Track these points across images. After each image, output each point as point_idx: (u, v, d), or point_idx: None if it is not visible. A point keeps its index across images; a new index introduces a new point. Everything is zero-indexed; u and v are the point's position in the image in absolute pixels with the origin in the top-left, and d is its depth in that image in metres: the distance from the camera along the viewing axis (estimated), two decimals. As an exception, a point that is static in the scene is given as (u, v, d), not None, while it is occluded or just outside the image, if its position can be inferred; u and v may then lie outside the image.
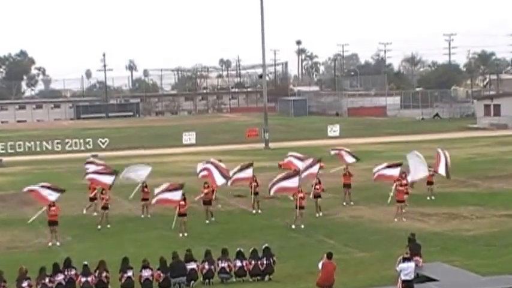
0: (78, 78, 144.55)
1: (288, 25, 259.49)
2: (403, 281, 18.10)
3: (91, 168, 32.75)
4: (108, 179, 30.70)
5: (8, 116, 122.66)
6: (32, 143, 68.81)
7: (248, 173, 32.53)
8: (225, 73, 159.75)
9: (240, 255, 21.63)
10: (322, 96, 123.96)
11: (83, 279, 20.25)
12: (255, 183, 32.47)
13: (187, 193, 29.45)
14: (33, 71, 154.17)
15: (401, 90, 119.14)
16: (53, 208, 27.65)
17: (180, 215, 28.13)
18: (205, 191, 30.30)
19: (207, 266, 21.23)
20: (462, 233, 26.61)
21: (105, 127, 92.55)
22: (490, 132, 72.33)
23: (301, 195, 28.85)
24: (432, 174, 33.54)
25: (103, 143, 69.62)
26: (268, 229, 28.39)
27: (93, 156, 61.92)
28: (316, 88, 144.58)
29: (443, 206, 31.73)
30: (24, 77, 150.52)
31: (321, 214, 30.35)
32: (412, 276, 18.25)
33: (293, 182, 28.90)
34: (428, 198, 33.22)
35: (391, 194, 31.21)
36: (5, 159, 58.63)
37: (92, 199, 32.30)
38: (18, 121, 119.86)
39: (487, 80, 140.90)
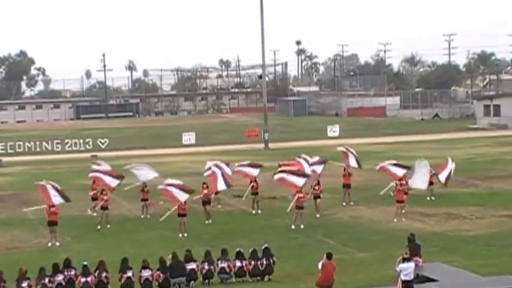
0: (78, 79, 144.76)
1: (288, 25, 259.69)
2: (403, 281, 18.10)
3: (98, 167, 32.50)
4: (112, 182, 30.74)
5: (7, 116, 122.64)
6: (32, 143, 68.81)
7: (254, 172, 32.55)
8: (224, 73, 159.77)
9: (239, 256, 21.62)
10: (321, 96, 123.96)
11: (83, 280, 20.24)
12: (255, 184, 32.47)
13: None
14: (33, 71, 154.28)
15: (400, 91, 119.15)
16: (52, 208, 27.64)
17: (180, 215, 28.12)
18: (205, 191, 30.29)
19: (206, 266, 21.22)
20: (462, 233, 26.61)
21: (105, 127, 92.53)
22: (490, 132, 72.33)
23: (301, 195, 28.86)
24: (433, 174, 33.54)
25: (103, 143, 69.63)
26: (267, 229, 28.39)
27: (93, 156, 62.13)
28: (315, 88, 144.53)
29: (442, 206, 31.73)
30: (24, 77, 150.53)
31: (318, 215, 30.27)
32: (412, 277, 18.25)
33: (299, 181, 28.91)
34: (428, 198, 33.22)
35: (388, 188, 31.38)
36: (4, 159, 58.63)
37: (94, 199, 32.29)
38: (18, 121, 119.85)
39: (487, 80, 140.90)
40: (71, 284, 20.32)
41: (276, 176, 29.57)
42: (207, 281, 21.24)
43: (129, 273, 20.50)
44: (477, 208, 31.13)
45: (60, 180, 44.97)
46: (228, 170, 31.27)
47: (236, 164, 33.40)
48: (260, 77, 77.91)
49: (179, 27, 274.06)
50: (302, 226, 28.33)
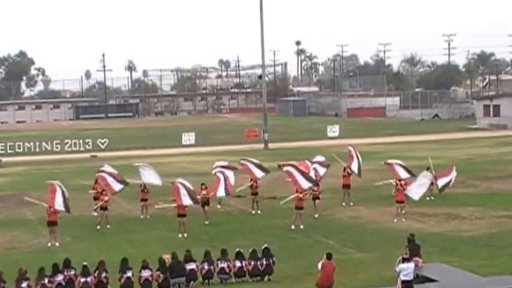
0: (78, 79, 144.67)
1: (288, 26, 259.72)
2: (403, 282, 18.10)
3: (106, 169, 32.37)
4: (116, 185, 30.75)
5: (7, 117, 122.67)
6: (32, 143, 68.81)
7: (258, 174, 32.54)
8: (224, 73, 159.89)
9: (239, 256, 21.63)
10: (321, 96, 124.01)
11: (82, 280, 20.24)
12: (255, 184, 32.48)
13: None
14: (33, 72, 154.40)
15: (400, 91, 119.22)
16: (52, 208, 27.64)
17: (180, 215, 28.12)
18: (203, 192, 30.27)
19: (206, 267, 21.23)
20: (461, 234, 26.61)
21: (105, 127, 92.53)
22: (490, 132, 72.35)
23: (300, 195, 28.87)
24: (434, 176, 33.58)
25: (102, 144, 69.65)
26: (267, 229, 28.40)
27: (93, 156, 62.15)
28: (315, 89, 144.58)
29: (442, 206, 31.72)
30: (24, 78, 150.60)
31: (317, 216, 30.22)
32: (412, 277, 18.25)
33: (305, 184, 28.87)
34: (427, 198, 33.18)
35: (385, 182, 31.55)
36: (4, 159, 58.64)
37: (96, 198, 32.28)
38: (18, 121, 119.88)
39: (487, 80, 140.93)
40: (70, 284, 20.32)
41: (286, 168, 29.48)
42: (206, 281, 21.24)
43: (129, 274, 20.50)
44: (477, 208, 31.13)
45: (60, 180, 45.04)
46: (232, 178, 30.87)
47: (246, 160, 33.39)
48: (260, 77, 77.90)
49: (179, 27, 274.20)
50: (302, 226, 28.33)
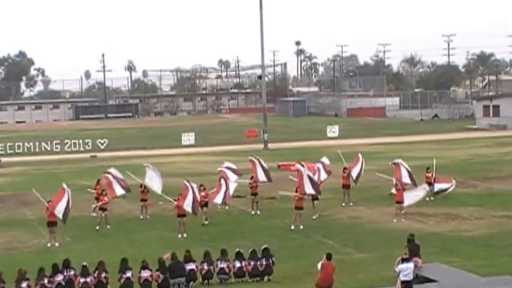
0: (77, 79, 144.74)
1: (287, 26, 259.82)
2: (402, 282, 18.09)
3: (113, 171, 32.24)
4: (118, 190, 30.75)
5: (7, 117, 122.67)
6: (31, 143, 68.79)
7: (261, 177, 32.51)
8: (224, 74, 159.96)
9: (239, 256, 21.62)
10: (321, 97, 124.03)
11: (82, 280, 20.22)
12: (255, 184, 32.49)
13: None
14: (32, 72, 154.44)
15: (400, 91, 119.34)
16: (52, 208, 27.62)
17: (179, 215, 28.11)
18: (202, 193, 30.23)
19: (206, 267, 21.22)
20: (461, 234, 26.61)
21: (104, 128, 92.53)
22: (489, 133, 72.38)
23: (300, 195, 28.83)
24: (434, 178, 33.63)
25: (102, 144, 69.65)
26: (267, 230, 28.39)
27: (92, 157, 62.17)
28: (315, 89, 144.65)
29: (442, 206, 31.72)
30: (23, 78, 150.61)
31: (314, 217, 30.12)
32: (411, 277, 18.24)
33: (309, 189, 28.76)
34: (427, 198, 33.18)
35: (386, 176, 31.62)
36: (4, 159, 58.65)
37: (97, 198, 32.22)
38: (17, 122, 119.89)
39: (486, 80, 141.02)
40: (70, 284, 20.31)
41: (297, 166, 29.38)
42: (206, 281, 21.23)
43: (129, 274, 20.49)
44: (476, 208, 31.12)
45: (59, 181, 45.05)
46: (232, 189, 30.57)
47: (256, 158, 33.29)
48: (259, 77, 77.84)
49: (178, 27, 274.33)
50: (301, 227, 28.31)
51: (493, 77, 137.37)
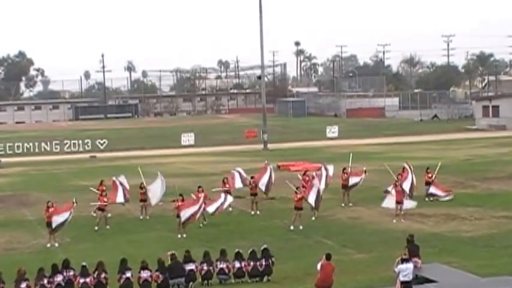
0: (77, 79, 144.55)
1: (287, 26, 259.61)
2: (402, 282, 18.09)
3: (122, 179, 32.16)
4: (120, 198, 30.83)
5: (6, 117, 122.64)
6: (31, 144, 68.78)
7: (262, 184, 32.44)
8: (223, 74, 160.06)
9: (238, 256, 21.61)
10: (320, 97, 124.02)
11: (82, 280, 20.22)
12: (254, 184, 32.49)
13: (186, 194, 29.46)
14: (32, 72, 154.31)
15: (399, 91, 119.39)
16: (51, 209, 27.64)
17: (179, 216, 28.09)
18: (200, 195, 30.18)
19: (205, 267, 21.22)
20: (461, 234, 26.61)
21: (104, 128, 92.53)
22: (489, 133, 72.39)
23: (299, 195, 28.87)
24: (433, 180, 33.64)
25: (101, 144, 69.63)
26: (266, 230, 28.38)
27: (92, 157, 62.17)
28: (314, 89, 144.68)
29: (441, 207, 31.72)
30: (23, 78, 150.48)
31: (314, 218, 30.10)
32: (411, 277, 18.24)
33: (311, 199, 28.88)
34: (426, 199, 33.21)
35: (391, 174, 31.59)
36: (3, 160, 58.63)
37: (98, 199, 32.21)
38: (17, 122, 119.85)
39: (486, 81, 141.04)
40: (70, 284, 20.30)
41: (312, 173, 29.36)
42: (206, 281, 21.23)
43: (128, 274, 20.48)
44: (476, 209, 31.11)
45: (59, 181, 45.15)
46: (227, 203, 30.15)
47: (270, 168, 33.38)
48: (259, 77, 77.79)
49: (178, 28, 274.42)
50: (301, 227, 28.31)
51: (492, 78, 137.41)
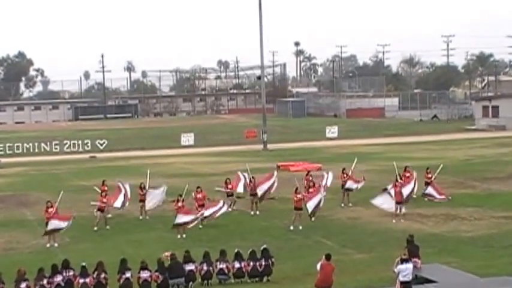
0: (77, 80, 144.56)
1: (287, 26, 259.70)
2: (401, 283, 18.10)
3: (126, 185, 32.12)
4: (118, 202, 30.82)
5: (6, 117, 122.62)
6: (30, 144, 68.77)
7: (261, 190, 32.35)
8: (223, 74, 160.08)
9: (238, 257, 21.62)
10: (320, 97, 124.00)
11: (81, 281, 20.22)
12: (254, 185, 32.46)
13: (185, 195, 29.47)
14: (32, 72, 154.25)
15: (399, 92, 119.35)
16: (50, 209, 27.65)
17: (178, 216, 28.12)
18: (199, 195, 30.20)
19: (205, 267, 21.22)
20: (460, 234, 26.62)
21: (104, 128, 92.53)
22: (488, 133, 72.40)
23: (299, 196, 28.88)
24: (431, 181, 33.64)
25: (101, 144, 69.63)
26: (266, 230, 28.38)
27: (91, 157, 62.16)
28: (314, 89, 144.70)
29: (441, 207, 31.71)
30: (23, 78, 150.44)
31: (313, 218, 30.04)
32: (411, 278, 18.24)
33: (312, 204, 28.87)
34: (426, 199, 33.19)
35: (397, 171, 31.56)
36: (3, 160, 58.62)
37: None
38: (17, 122, 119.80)
39: (485, 81, 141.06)
40: (69, 285, 20.29)
41: (322, 191, 29.34)
42: (205, 282, 21.24)
43: (128, 274, 20.48)
44: (475, 209, 31.11)
45: (58, 181, 45.12)
46: (220, 213, 29.58)
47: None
48: (259, 78, 77.75)
49: (178, 28, 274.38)
50: (301, 227, 28.32)
51: (492, 78, 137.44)
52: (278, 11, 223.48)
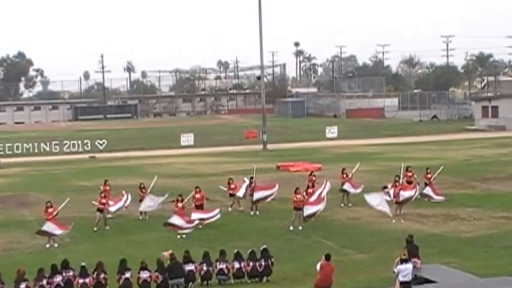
0: (76, 80, 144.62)
1: (286, 27, 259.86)
2: (401, 283, 18.10)
3: (127, 195, 32.11)
4: (115, 207, 30.77)
5: (6, 118, 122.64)
6: (30, 144, 68.78)
7: (258, 195, 32.29)
8: (223, 75, 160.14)
9: (238, 257, 21.61)
10: (320, 97, 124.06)
11: (81, 281, 20.22)
12: (253, 186, 32.44)
13: (185, 195, 29.47)
14: (31, 73, 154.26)
15: (399, 92, 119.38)
16: (50, 210, 27.65)
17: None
18: (197, 195, 30.18)
19: (205, 268, 21.22)
20: (460, 235, 26.61)
21: (103, 128, 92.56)
22: (488, 133, 72.43)
23: (299, 196, 28.87)
24: (430, 181, 33.66)
25: (101, 145, 69.64)
26: (266, 231, 28.38)
27: (91, 157, 62.17)
28: (314, 90, 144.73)
29: (441, 207, 31.72)
30: (22, 79, 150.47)
31: (313, 219, 30.01)
32: (410, 278, 18.25)
33: (310, 209, 28.80)
34: (425, 200, 33.19)
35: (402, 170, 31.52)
36: (3, 160, 58.62)
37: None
38: (16, 122, 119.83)
39: (485, 81, 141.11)
40: (69, 285, 20.28)
41: (322, 204, 29.35)
42: (205, 282, 21.23)
43: (128, 275, 20.48)
44: (475, 209, 31.11)
45: (58, 181, 45.13)
46: (211, 220, 29.30)
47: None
48: (258, 78, 77.78)
49: (177, 28, 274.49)
50: (300, 227, 28.31)
51: (491, 78, 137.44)
52: (278, 11, 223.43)
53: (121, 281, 20.41)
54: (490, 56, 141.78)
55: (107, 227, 29.71)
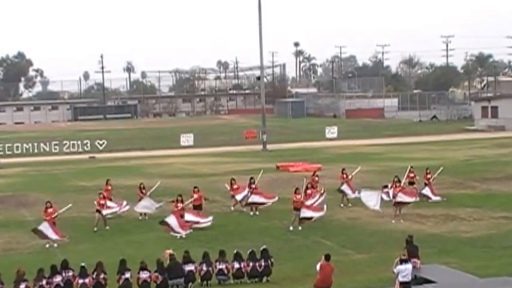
0: (76, 80, 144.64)
1: (286, 27, 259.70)
2: (401, 283, 18.10)
3: (127, 206, 32.09)
4: (110, 210, 30.71)
5: (5, 118, 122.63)
6: (30, 144, 68.78)
7: (255, 199, 32.07)
8: (222, 75, 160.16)
9: (237, 257, 21.60)
10: (320, 98, 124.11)
11: (81, 281, 20.21)
12: (250, 189, 32.37)
13: (185, 195, 29.47)
14: (31, 73, 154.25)
15: (399, 92, 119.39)
16: (50, 210, 27.63)
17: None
18: (195, 196, 30.17)
19: (204, 268, 21.21)
20: (460, 235, 26.61)
21: (103, 129, 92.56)
22: (488, 134, 72.45)
23: (299, 196, 28.87)
24: (430, 182, 33.65)
25: (101, 145, 69.64)
26: (266, 231, 28.37)
27: (91, 158, 62.17)
28: (314, 90, 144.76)
29: (440, 207, 31.72)
30: (22, 79, 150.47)
31: (313, 219, 29.99)
32: (410, 278, 18.25)
33: (311, 214, 28.81)
34: (424, 199, 33.18)
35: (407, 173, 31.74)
36: (2, 160, 58.63)
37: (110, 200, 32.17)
38: (16, 123, 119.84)
39: (485, 82, 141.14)
40: (68, 285, 20.27)
41: (321, 204, 29.34)
42: (205, 282, 21.22)
43: (127, 275, 20.47)
44: (475, 210, 31.12)
45: (58, 181, 45.14)
46: (207, 224, 29.23)
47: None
48: (258, 78, 77.79)
49: (177, 28, 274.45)
50: (300, 228, 28.30)
51: (491, 78, 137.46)
52: (278, 11, 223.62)
53: (121, 281, 20.40)
54: (490, 56, 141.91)
55: (107, 227, 29.69)
